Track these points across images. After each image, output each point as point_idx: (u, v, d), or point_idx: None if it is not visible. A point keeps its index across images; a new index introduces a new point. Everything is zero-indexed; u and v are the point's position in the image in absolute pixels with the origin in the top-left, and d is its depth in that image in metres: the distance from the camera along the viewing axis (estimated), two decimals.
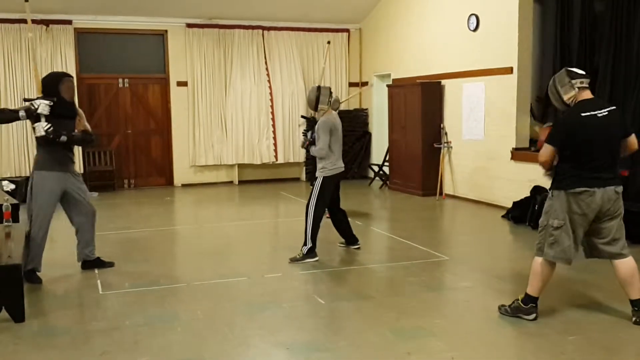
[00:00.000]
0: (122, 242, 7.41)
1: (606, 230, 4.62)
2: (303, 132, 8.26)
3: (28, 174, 11.20)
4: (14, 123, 11.15)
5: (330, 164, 6.52)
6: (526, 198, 8.39)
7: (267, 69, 12.89)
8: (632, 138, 4.63)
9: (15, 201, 6.74)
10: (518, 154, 9.05)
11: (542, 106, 10.15)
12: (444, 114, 10.76)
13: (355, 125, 13.40)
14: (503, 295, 5.22)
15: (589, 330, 4.51)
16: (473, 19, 9.89)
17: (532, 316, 4.66)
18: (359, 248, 6.97)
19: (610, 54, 7.27)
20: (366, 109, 13.66)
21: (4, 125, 11.22)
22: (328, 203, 6.69)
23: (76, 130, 5.88)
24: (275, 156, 13.01)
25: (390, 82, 12.27)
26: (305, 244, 6.50)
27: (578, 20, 7.68)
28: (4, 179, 10.93)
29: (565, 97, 4.55)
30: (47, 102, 5.55)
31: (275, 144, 12.98)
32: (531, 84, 9.39)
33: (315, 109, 6.63)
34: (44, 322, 4.83)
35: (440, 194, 10.72)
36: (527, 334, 4.48)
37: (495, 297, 5.16)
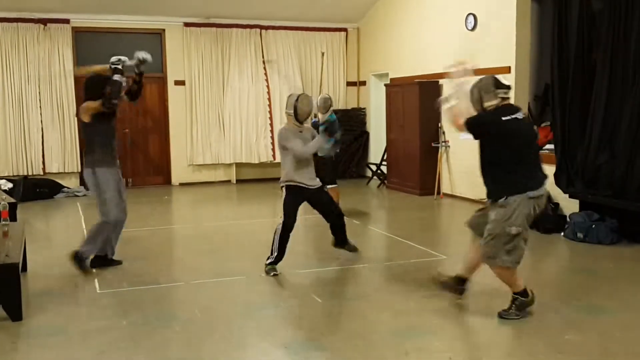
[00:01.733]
0: (120, 242, 7.38)
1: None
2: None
3: (25, 173, 11.23)
4: (10, 120, 11.22)
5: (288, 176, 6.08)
6: None
7: (264, 67, 12.89)
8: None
9: (12, 200, 6.74)
10: None
11: (539, 105, 10.16)
12: (442, 113, 10.72)
13: (353, 124, 13.39)
14: (500, 294, 5.21)
15: (586, 329, 4.51)
16: (471, 18, 9.89)
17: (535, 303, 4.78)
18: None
19: (607, 53, 7.26)
20: (364, 108, 13.66)
21: (1, 126, 11.21)
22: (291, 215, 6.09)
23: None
24: (273, 155, 12.99)
25: (388, 82, 12.27)
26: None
27: (576, 19, 7.67)
28: (1, 178, 10.91)
29: (485, 104, 4.62)
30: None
31: (273, 143, 12.95)
32: (529, 83, 9.40)
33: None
34: (41, 320, 4.82)
35: (438, 193, 10.72)
36: (524, 333, 4.48)
37: (492, 296, 5.16)
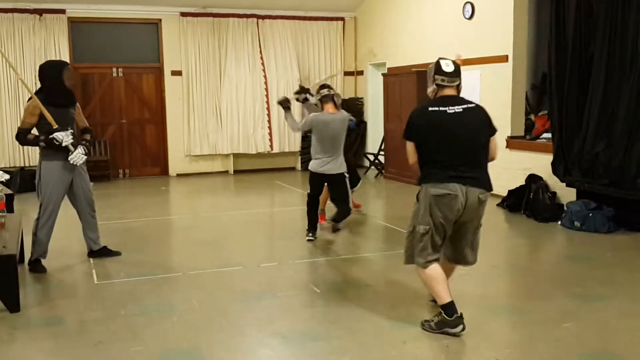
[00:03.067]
0: (117, 232, 7.39)
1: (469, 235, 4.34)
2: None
3: (22, 165, 11.22)
4: (5, 108, 11.19)
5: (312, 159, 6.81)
6: (521, 186, 8.40)
7: (261, 57, 12.85)
8: (494, 141, 4.37)
9: (9, 191, 6.73)
10: (513, 143, 9.05)
11: (537, 94, 10.16)
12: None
13: (350, 114, 13.32)
14: (498, 283, 5.23)
15: (584, 318, 4.53)
16: (468, 7, 9.85)
17: (459, 329, 4.14)
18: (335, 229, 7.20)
19: (605, 42, 7.25)
20: (361, 98, 13.63)
21: None
22: (313, 193, 6.89)
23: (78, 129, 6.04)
24: (271, 145, 12.99)
25: (386, 71, 12.24)
26: None
27: (573, 8, 7.65)
28: None
29: (428, 91, 4.38)
30: (67, 132, 5.65)
31: (270, 134, 12.95)
32: (526, 72, 9.39)
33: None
34: (39, 312, 4.83)
35: None
36: (521, 322, 4.50)
37: (490, 285, 5.17)
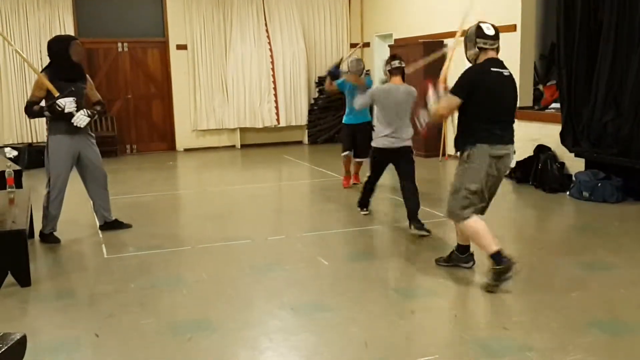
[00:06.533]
0: (126, 207, 7.42)
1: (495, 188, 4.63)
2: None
3: (30, 141, 11.26)
4: (14, 88, 11.20)
5: (375, 135, 6.45)
6: (529, 157, 8.36)
7: (267, 31, 12.76)
8: None
9: (17, 167, 6.75)
10: (521, 113, 8.95)
11: (545, 64, 10.06)
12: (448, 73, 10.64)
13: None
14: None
15: (591, 286, 4.53)
16: None
17: (512, 272, 4.41)
18: (423, 235, 5.99)
19: (614, 10, 7.16)
20: (368, 70, 13.52)
21: (4, 92, 11.21)
22: (377, 173, 6.51)
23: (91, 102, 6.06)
24: (277, 119, 12.96)
25: (392, 42, 12.14)
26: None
27: None
28: (6, 146, 10.94)
29: (468, 53, 4.48)
30: (70, 99, 5.64)
31: (276, 107, 12.91)
32: (535, 41, 9.29)
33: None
34: (49, 286, 4.87)
35: (443, 155, 10.70)
36: (529, 290, 4.50)
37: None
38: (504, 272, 4.38)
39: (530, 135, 8.63)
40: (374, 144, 6.42)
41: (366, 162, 7.25)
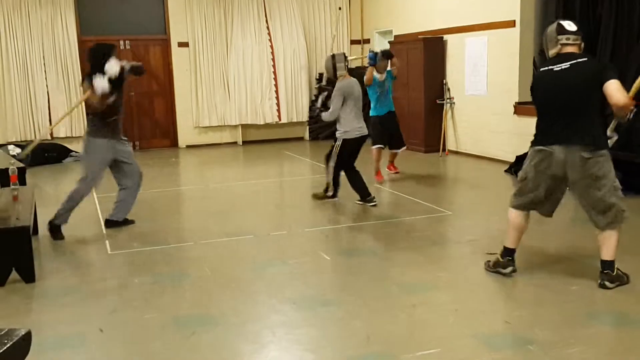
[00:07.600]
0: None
1: (584, 196, 4.43)
2: (314, 98, 8.64)
3: (33, 138, 11.29)
4: (17, 86, 11.25)
5: (348, 127, 6.80)
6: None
7: (268, 27, 12.79)
8: (609, 86, 4.20)
9: (21, 165, 6.79)
10: (521, 109, 9.01)
11: (544, 59, 10.06)
12: (447, 69, 10.69)
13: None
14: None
15: (592, 279, 4.56)
16: None
17: (509, 270, 4.62)
18: (375, 205, 6.98)
19: (613, 6, 7.19)
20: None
21: (7, 90, 11.25)
22: (347, 163, 6.96)
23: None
24: (279, 116, 13.00)
25: (392, 39, 12.16)
26: (326, 190, 7.17)
27: None
28: (10, 143, 10.98)
29: (550, 53, 4.43)
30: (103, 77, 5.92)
31: (278, 104, 12.95)
32: (534, 37, 9.31)
33: (335, 76, 6.92)
34: (54, 282, 4.91)
35: (443, 150, 10.73)
36: (530, 284, 4.54)
37: (498, 249, 5.19)
38: (501, 267, 4.63)
39: (530, 130, 8.59)
40: (350, 135, 6.84)
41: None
